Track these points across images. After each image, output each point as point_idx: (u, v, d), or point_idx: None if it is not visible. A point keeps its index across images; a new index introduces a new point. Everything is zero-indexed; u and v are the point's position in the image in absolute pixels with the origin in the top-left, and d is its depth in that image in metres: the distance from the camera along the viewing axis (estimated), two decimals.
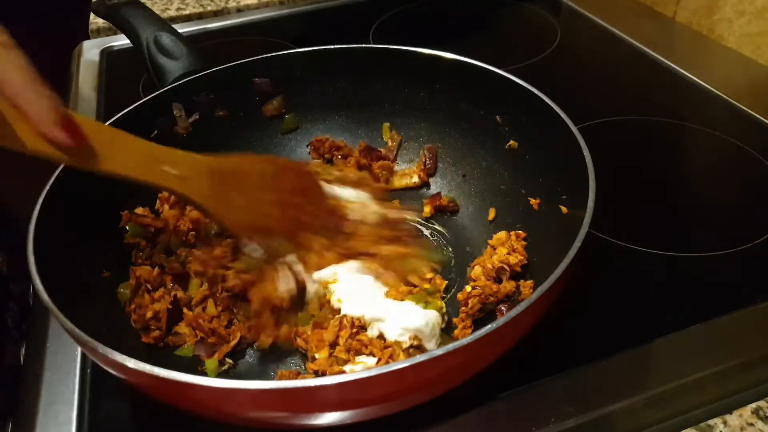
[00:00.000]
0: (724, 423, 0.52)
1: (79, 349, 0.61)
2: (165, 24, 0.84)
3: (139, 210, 0.66)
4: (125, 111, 0.67)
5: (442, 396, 0.49)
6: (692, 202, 0.76)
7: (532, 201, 0.68)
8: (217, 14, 1.24)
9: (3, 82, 0.41)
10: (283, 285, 0.59)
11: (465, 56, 0.73)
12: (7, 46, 0.42)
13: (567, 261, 0.48)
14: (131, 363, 0.42)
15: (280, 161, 0.63)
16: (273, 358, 0.59)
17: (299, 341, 0.58)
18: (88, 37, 1.18)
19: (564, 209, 0.62)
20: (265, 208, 0.57)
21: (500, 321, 0.44)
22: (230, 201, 0.56)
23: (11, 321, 0.64)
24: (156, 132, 0.71)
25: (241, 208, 0.56)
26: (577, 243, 0.49)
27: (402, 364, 0.41)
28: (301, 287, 0.61)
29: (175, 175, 0.53)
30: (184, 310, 0.61)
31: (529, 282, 0.61)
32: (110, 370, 0.46)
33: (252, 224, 0.57)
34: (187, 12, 1.23)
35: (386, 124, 0.81)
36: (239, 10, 1.25)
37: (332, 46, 0.78)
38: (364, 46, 0.79)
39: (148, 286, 0.62)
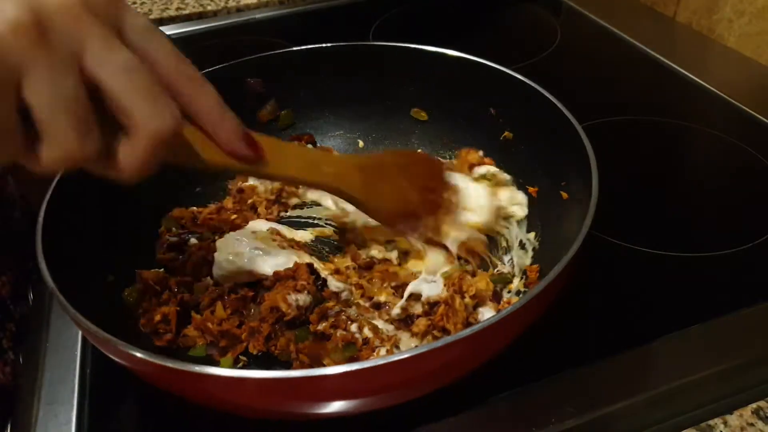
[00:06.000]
0: (724, 423, 0.52)
1: (79, 350, 0.61)
2: None
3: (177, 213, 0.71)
4: None
5: (442, 395, 0.49)
6: (692, 202, 0.75)
7: (531, 189, 0.69)
8: (216, 14, 1.24)
9: (197, 113, 0.43)
10: (295, 298, 0.59)
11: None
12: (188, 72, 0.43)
13: (572, 252, 0.48)
14: (154, 359, 0.43)
15: (410, 153, 0.71)
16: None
17: (301, 357, 0.57)
18: None
19: (564, 195, 0.62)
20: (406, 194, 0.64)
21: (493, 318, 0.44)
22: (378, 191, 0.61)
23: (6, 342, 0.64)
24: None
25: (388, 196, 0.62)
26: (581, 235, 0.49)
27: (404, 354, 0.42)
28: (316, 302, 0.61)
29: (332, 172, 0.58)
30: (192, 313, 0.61)
31: (535, 266, 0.62)
32: (135, 369, 0.47)
33: (398, 210, 0.63)
34: (187, 12, 1.23)
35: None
36: (239, 10, 1.25)
37: (324, 45, 0.79)
38: (356, 43, 0.80)
39: (157, 288, 0.62)
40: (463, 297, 0.58)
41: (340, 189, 0.59)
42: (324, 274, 0.63)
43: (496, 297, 0.61)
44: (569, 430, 0.51)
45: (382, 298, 0.62)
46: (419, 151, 0.80)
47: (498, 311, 0.57)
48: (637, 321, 0.60)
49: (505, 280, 0.63)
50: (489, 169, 0.73)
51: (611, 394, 0.53)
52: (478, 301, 0.59)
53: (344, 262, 0.67)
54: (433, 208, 0.65)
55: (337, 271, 0.64)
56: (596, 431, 0.52)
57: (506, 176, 0.72)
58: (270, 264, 0.62)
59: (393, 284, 0.63)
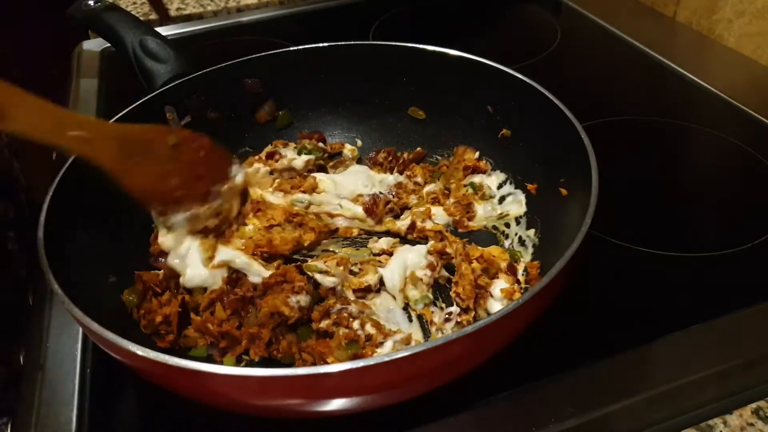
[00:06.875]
0: (724, 423, 0.52)
1: (79, 350, 0.61)
2: (149, 28, 0.84)
3: None
4: (118, 116, 0.67)
5: (443, 394, 0.49)
6: (692, 202, 0.75)
7: (530, 186, 0.69)
8: (217, 14, 1.24)
9: None
10: (296, 299, 0.59)
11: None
12: None
13: (574, 247, 0.48)
14: (162, 359, 0.43)
15: (188, 135, 0.64)
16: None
17: (304, 356, 0.57)
18: (88, 37, 1.18)
19: (564, 191, 0.63)
20: (168, 177, 0.61)
21: (496, 315, 0.44)
22: (134, 166, 0.59)
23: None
24: None
25: (144, 174, 0.60)
26: (584, 228, 0.50)
27: (405, 352, 0.42)
28: (314, 300, 0.61)
29: (80, 137, 0.55)
30: (192, 314, 0.61)
31: (536, 263, 0.62)
32: (139, 368, 0.47)
33: (154, 190, 0.61)
34: (187, 12, 1.23)
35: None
36: (239, 10, 1.25)
37: (322, 44, 0.79)
38: (355, 43, 0.80)
39: (157, 289, 0.61)
40: (470, 263, 0.58)
41: (87, 156, 0.56)
42: (311, 273, 0.63)
43: (512, 270, 0.60)
44: (569, 430, 0.51)
45: (370, 278, 0.63)
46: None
47: (512, 285, 0.58)
48: (637, 321, 0.60)
49: (516, 255, 0.64)
50: (481, 179, 0.73)
51: (611, 394, 0.53)
52: (491, 268, 0.59)
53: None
54: (198, 197, 0.62)
55: (320, 270, 0.64)
56: (596, 431, 0.52)
57: (493, 189, 0.73)
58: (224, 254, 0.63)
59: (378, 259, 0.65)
